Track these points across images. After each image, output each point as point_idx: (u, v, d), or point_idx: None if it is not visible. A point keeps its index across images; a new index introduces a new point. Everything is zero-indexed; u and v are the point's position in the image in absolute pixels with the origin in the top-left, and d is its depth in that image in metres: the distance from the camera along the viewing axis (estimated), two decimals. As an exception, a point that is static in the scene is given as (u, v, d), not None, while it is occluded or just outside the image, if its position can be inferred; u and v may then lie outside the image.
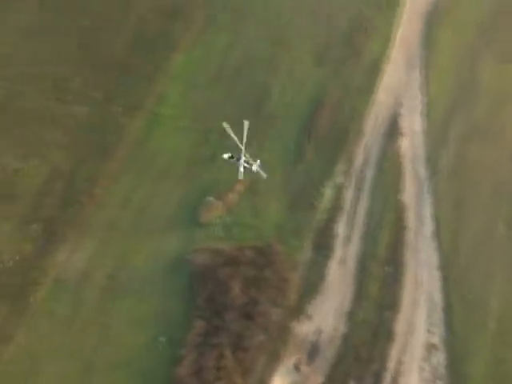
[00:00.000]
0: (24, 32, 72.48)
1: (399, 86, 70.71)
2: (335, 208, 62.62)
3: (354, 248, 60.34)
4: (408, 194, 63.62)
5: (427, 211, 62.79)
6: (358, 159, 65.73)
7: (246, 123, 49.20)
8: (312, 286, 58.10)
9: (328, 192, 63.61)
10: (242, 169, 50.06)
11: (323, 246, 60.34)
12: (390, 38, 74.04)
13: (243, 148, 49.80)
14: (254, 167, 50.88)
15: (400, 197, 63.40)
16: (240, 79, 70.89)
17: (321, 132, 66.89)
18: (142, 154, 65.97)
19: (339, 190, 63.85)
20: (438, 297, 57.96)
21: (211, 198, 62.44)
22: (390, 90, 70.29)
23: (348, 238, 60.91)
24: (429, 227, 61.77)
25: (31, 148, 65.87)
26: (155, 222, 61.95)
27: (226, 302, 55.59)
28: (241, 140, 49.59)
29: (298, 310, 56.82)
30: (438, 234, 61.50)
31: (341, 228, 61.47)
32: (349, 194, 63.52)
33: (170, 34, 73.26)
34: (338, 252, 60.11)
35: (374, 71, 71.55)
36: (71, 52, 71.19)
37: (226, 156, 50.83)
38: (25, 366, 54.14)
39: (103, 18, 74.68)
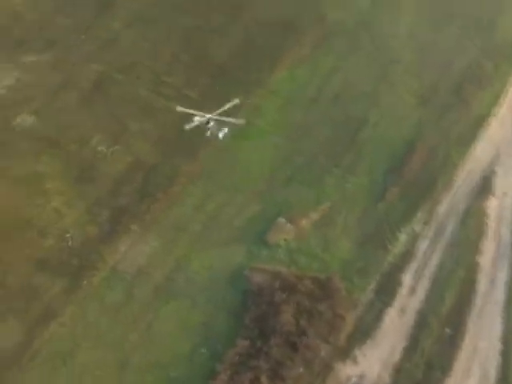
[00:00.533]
0: (129, 21, 75.60)
1: (501, 143, 69.46)
2: (407, 255, 61.89)
3: (417, 300, 59.46)
4: (486, 256, 62.21)
5: (502, 278, 61.14)
6: (442, 210, 64.78)
7: (236, 100, 62.64)
8: (365, 329, 57.43)
9: (403, 237, 63.06)
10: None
11: (386, 291, 59.72)
12: (502, 94, 72.96)
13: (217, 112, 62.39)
14: (221, 134, 63.48)
15: (477, 257, 62.26)
16: (338, 105, 71.52)
17: (409, 175, 66.45)
18: (226, 161, 67.46)
19: (415, 238, 63.04)
20: (493, 369, 56.44)
21: (283, 220, 63.08)
22: (490, 145, 69.12)
23: (413, 289, 60.14)
24: (500, 295, 60.22)
25: (119, 135, 68.49)
26: (223, 231, 62.97)
27: (274, 327, 55.73)
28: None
29: (346, 351, 56.32)
30: (508, 303, 60.04)
31: (408, 277, 60.74)
32: (424, 244, 62.69)
33: (278, 46, 74.69)
34: (400, 301, 59.36)
35: (478, 124, 70.53)
36: (174, 48, 73.61)
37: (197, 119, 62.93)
38: (64, 347, 55.61)
39: (213, 20, 76.89)
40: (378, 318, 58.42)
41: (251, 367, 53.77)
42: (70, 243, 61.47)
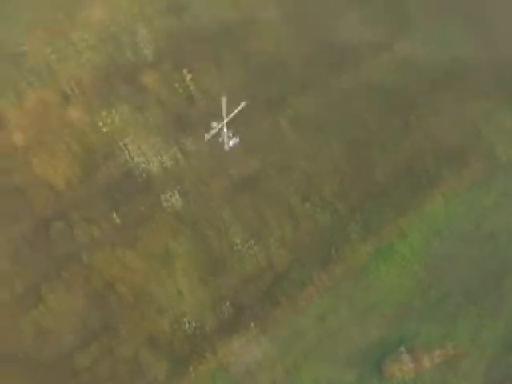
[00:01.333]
0: (295, 120, 79.25)
1: None
2: (529, 419, 60.64)
3: None
4: None
5: None
6: None
7: (243, 103, 69.40)
8: None
9: (529, 398, 61.91)
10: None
11: None
12: None
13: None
14: (231, 142, 69.73)
15: None
16: (491, 245, 71.47)
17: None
18: (359, 278, 68.94)
19: (543, 403, 61.72)
20: None
21: (404, 350, 63.50)
22: None
23: None
24: None
25: (257, 232, 71.40)
26: (339, 349, 64.05)
27: None
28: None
29: None
30: None
31: None
32: (556, 413, 61.16)
33: (438, 174, 75.87)
34: None
35: None
36: (334, 156, 76.56)
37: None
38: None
39: (381, 136, 79.29)
40: None
41: None
42: (186, 328, 64.70)
